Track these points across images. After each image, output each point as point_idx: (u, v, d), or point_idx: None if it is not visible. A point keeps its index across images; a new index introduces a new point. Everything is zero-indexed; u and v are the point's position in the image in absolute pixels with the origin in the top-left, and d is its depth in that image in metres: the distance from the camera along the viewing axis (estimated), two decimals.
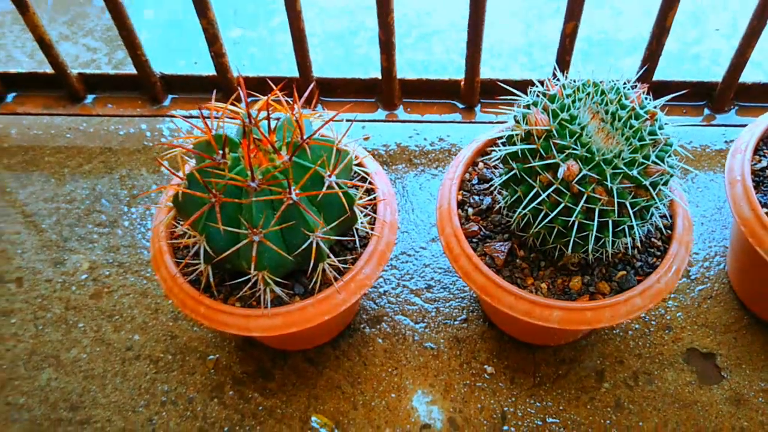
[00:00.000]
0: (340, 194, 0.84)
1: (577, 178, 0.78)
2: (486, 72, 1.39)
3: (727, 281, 1.15)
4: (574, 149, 0.79)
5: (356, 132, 1.36)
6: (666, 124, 0.84)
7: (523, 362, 1.10)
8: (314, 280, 0.90)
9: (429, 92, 1.26)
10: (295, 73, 1.24)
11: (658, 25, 1.09)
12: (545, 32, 1.51)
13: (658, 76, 1.23)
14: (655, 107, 0.83)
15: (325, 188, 0.83)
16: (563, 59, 1.15)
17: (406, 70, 1.44)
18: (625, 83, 0.85)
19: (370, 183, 1.00)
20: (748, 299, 1.11)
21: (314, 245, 0.84)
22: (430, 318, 1.14)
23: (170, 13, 1.61)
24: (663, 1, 1.06)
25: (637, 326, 1.12)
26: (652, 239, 0.95)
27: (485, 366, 1.10)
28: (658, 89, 1.21)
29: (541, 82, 0.87)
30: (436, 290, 1.17)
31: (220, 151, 0.82)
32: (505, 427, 1.04)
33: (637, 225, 0.82)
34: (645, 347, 1.10)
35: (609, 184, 0.79)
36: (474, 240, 0.95)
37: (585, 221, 0.81)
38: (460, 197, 1.00)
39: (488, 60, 1.45)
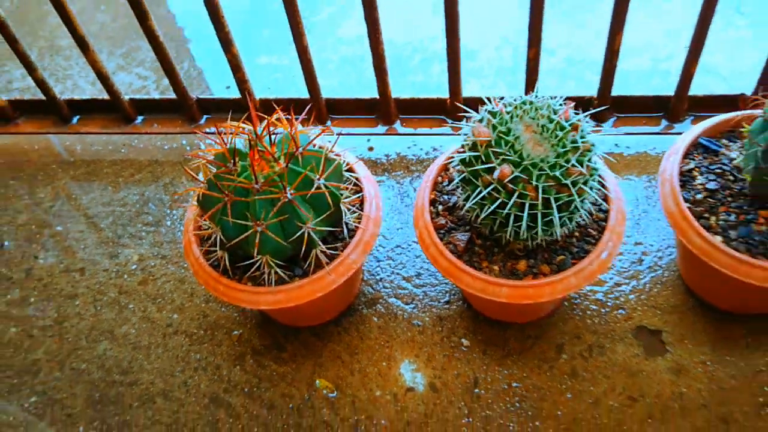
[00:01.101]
0: (327, 194, 1.06)
1: (509, 179, 0.98)
2: (475, 90, 1.59)
3: (677, 269, 1.32)
4: (507, 155, 0.99)
5: (362, 144, 1.58)
6: (588, 133, 1.03)
7: (494, 337, 1.29)
8: (309, 263, 1.12)
9: (421, 109, 1.47)
10: (308, 95, 1.47)
11: (609, 49, 1.28)
12: (524, 53, 1.71)
13: (621, 91, 1.42)
14: (578, 120, 1.02)
15: (314, 189, 1.05)
16: (531, 79, 1.34)
17: (408, 89, 1.65)
18: (555, 99, 1.04)
19: (356, 185, 1.21)
20: (692, 284, 1.27)
21: (306, 235, 1.06)
22: (418, 300, 1.35)
23: (209, 44, 1.87)
24: (610, 28, 1.24)
25: (594, 307, 1.30)
26: (589, 229, 1.13)
27: (462, 340, 1.29)
28: (617, 104, 1.39)
29: (489, 100, 1.07)
30: (425, 277, 1.38)
31: (232, 161, 1.05)
32: (476, 390, 1.23)
33: (562, 217, 1.01)
34: (600, 325, 1.28)
35: (536, 183, 0.98)
36: (442, 231, 1.16)
37: (519, 213, 1.00)
38: (432, 196, 1.20)
39: (479, 79, 1.65)
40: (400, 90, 1.57)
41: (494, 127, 1.02)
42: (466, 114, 1.07)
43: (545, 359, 1.25)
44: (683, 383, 1.20)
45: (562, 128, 1.01)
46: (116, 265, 1.47)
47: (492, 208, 1.01)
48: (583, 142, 1.01)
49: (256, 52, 1.82)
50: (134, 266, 1.47)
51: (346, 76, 1.75)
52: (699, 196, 1.14)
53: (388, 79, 1.39)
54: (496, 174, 0.99)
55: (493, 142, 1.01)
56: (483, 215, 1.03)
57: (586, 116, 1.04)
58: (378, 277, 1.39)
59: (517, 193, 0.99)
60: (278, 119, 1.11)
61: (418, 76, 1.69)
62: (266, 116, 1.11)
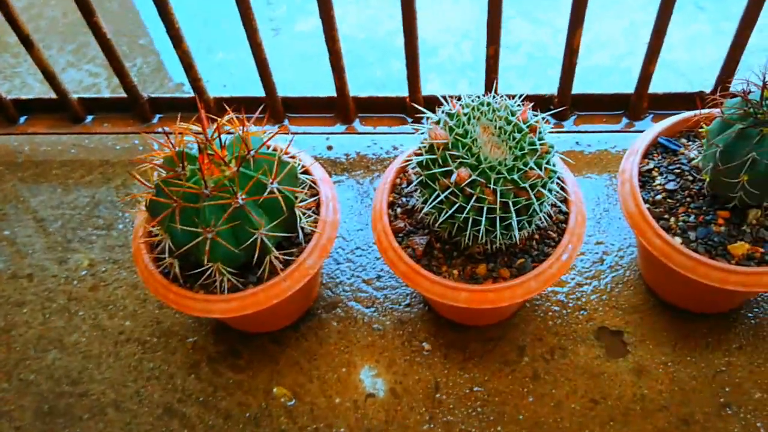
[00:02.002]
0: (280, 198, 1.03)
1: (467, 182, 0.96)
2: (436, 87, 1.56)
3: (638, 269, 1.31)
4: (465, 159, 0.97)
5: (321, 143, 1.55)
6: (547, 134, 1.01)
7: (456, 340, 1.27)
8: (263, 270, 1.08)
9: (380, 107, 1.44)
10: (264, 93, 1.43)
11: (568, 47, 1.26)
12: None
13: (582, 89, 1.40)
14: (536, 121, 1.00)
15: (266, 193, 1.02)
16: (490, 77, 1.32)
17: (369, 86, 1.62)
18: (513, 99, 1.02)
19: (313, 187, 1.18)
20: (652, 283, 1.27)
21: (259, 241, 1.02)
22: (379, 303, 1.32)
23: (163, 41, 1.82)
24: (569, 26, 1.23)
25: (556, 308, 1.29)
26: (549, 231, 1.12)
27: (423, 344, 1.27)
28: (578, 102, 1.37)
29: (446, 100, 1.04)
30: (385, 280, 1.35)
31: (181, 165, 1.01)
32: (438, 395, 1.21)
33: (521, 220, 0.99)
34: (562, 326, 1.26)
35: (494, 187, 0.96)
36: (400, 235, 1.13)
37: (477, 218, 0.98)
38: (391, 199, 1.17)
39: (441, 75, 1.62)
40: (360, 87, 1.54)
41: (451, 129, 0.99)
42: (423, 114, 1.04)
43: (507, 362, 1.24)
44: (645, 384, 1.19)
45: (520, 130, 0.99)
46: (66, 271, 1.42)
47: (450, 212, 0.99)
48: (541, 144, 0.99)
49: (214, 48, 1.77)
50: (84, 272, 1.42)
51: (304, 73, 1.71)
52: (658, 197, 1.12)
53: (346, 77, 1.36)
54: (453, 178, 0.96)
55: (450, 145, 0.98)
56: (441, 219, 1.00)
57: (545, 117, 1.02)
58: (337, 281, 1.36)
59: (475, 197, 0.97)
60: (230, 120, 1.07)
61: (378, 72, 1.66)
62: (218, 117, 1.07)
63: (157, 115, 1.51)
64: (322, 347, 1.28)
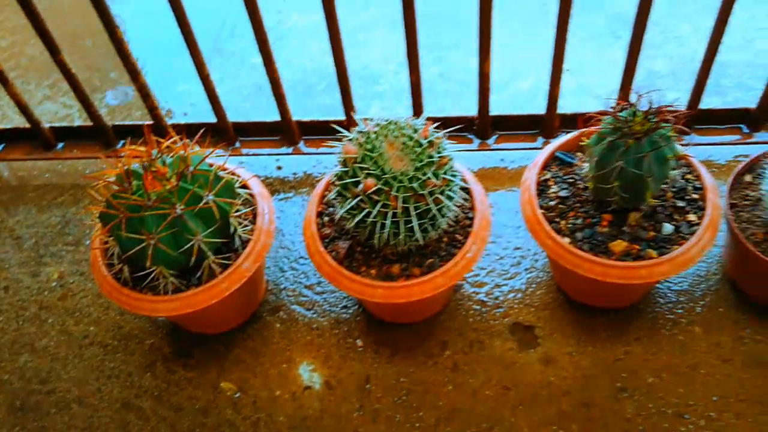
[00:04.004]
0: (215, 208, 1.18)
1: (373, 191, 1.11)
2: (376, 112, 1.73)
3: (549, 270, 1.46)
4: (371, 170, 1.12)
5: (271, 164, 1.70)
6: (446, 149, 1.16)
7: (386, 337, 1.41)
8: (202, 272, 1.23)
9: (321, 130, 1.60)
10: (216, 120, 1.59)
11: (480, 73, 1.42)
12: (425, 77, 1.85)
13: (510, 110, 1.57)
14: (436, 137, 1.16)
15: (202, 204, 1.17)
16: (416, 102, 1.48)
17: (316, 112, 1.78)
18: (417, 119, 1.18)
19: (249, 198, 1.33)
20: (560, 283, 1.41)
21: (196, 246, 1.17)
22: (318, 306, 1.46)
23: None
24: (479, 56, 1.39)
25: (477, 307, 1.43)
26: (456, 235, 1.26)
27: (357, 341, 1.41)
28: (499, 122, 1.54)
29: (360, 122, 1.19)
30: (324, 285, 1.49)
31: (128, 181, 1.16)
32: (368, 386, 1.35)
33: (423, 223, 1.14)
34: (481, 322, 1.40)
35: (396, 194, 1.11)
36: (326, 240, 1.28)
37: (384, 221, 1.13)
38: (320, 209, 1.32)
39: (381, 101, 1.79)
40: (309, 112, 1.70)
41: (361, 146, 1.14)
42: (344, 135, 1.20)
43: (431, 355, 1.37)
44: (551, 372, 1.33)
45: (421, 145, 1.14)
46: (38, 283, 1.56)
47: (360, 217, 1.13)
48: (440, 157, 1.14)
49: (178, 79, 1.94)
50: (55, 283, 1.56)
51: (259, 100, 1.87)
52: (552, 203, 1.27)
53: (287, 103, 1.52)
54: (360, 186, 1.11)
55: (359, 159, 1.13)
56: (353, 223, 1.15)
57: (446, 134, 1.18)
58: (281, 287, 1.50)
59: (380, 203, 1.11)
60: (173, 142, 1.23)
61: (326, 100, 1.82)
62: (163, 140, 1.22)
63: (122, 141, 1.67)
64: (266, 346, 1.42)
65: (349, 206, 1.14)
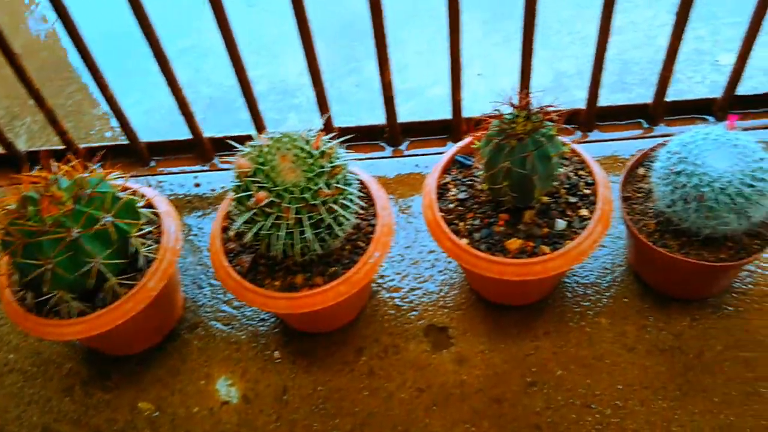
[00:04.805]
0: (111, 229, 1.18)
1: (266, 203, 1.12)
2: (293, 124, 1.74)
3: (462, 271, 1.48)
4: (263, 183, 1.14)
5: (190, 181, 1.71)
6: (339, 157, 1.18)
7: (303, 348, 1.42)
8: (104, 295, 1.23)
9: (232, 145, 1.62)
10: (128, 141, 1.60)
11: (382, 83, 1.45)
12: (342, 88, 1.88)
13: (425, 116, 1.60)
14: (328, 147, 1.18)
15: (98, 225, 1.17)
16: (323, 112, 1.51)
17: (236, 127, 1.79)
18: (310, 131, 1.20)
19: (154, 216, 1.34)
20: (472, 283, 1.44)
21: (95, 269, 1.18)
22: (236, 321, 1.47)
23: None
24: (378, 68, 1.42)
25: (392, 312, 1.45)
26: (359, 242, 1.29)
27: (275, 353, 1.42)
28: (409, 129, 1.57)
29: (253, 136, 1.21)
30: None
31: (24, 208, 1.17)
32: (285, 397, 1.36)
33: (320, 233, 1.16)
34: (396, 327, 1.42)
35: (287, 205, 1.13)
36: (232, 255, 1.29)
37: (279, 233, 1.14)
38: (225, 224, 1.34)
39: (299, 114, 1.81)
40: (227, 128, 1.72)
41: (253, 160, 1.16)
42: (238, 150, 1.21)
43: (347, 362, 1.39)
44: (464, 371, 1.35)
45: (312, 156, 1.16)
46: None
47: (255, 229, 1.15)
48: (332, 167, 1.16)
49: (100, 100, 1.94)
50: None
51: (178, 118, 1.88)
52: (451, 206, 1.30)
53: (196, 121, 1.53)
54: (251, 200, 1.13)
55: (251, 173, 1.15)
56: (249, 236, 1.17)
57: (338, 143, 1.20)
58: (199, 303, 1.51)
59: (273, 216, 1.13)
60: (72, 166, 1.23)
61: (244, 115, 1.83)
62: (89, 165, 1.24)
63: (36, 167, 1.67)
64: (185, 363, 1.43)
65: (243, 220, 1.16)
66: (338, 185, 1.17)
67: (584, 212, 1.26)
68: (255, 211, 1.14)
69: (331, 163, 1.17)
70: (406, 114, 1.78)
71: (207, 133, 1.61)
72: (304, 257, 1.22)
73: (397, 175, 1.67)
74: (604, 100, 1.70)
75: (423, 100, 1.81)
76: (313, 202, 1.13)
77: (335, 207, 1.16)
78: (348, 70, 1.91)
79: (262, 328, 1.46)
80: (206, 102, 1.91)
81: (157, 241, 1.32)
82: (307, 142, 1.18)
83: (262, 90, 1.91)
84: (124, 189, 1.31)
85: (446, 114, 1.68)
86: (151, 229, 1.30)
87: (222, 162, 1.64)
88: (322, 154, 1.17)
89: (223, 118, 1.86)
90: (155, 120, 1.89)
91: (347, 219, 1.20)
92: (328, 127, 1.55)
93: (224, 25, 1.34)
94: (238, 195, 1.16)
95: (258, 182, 1.14)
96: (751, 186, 1.14)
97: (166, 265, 1.29)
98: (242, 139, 1.38)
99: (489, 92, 1.73)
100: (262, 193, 1.13)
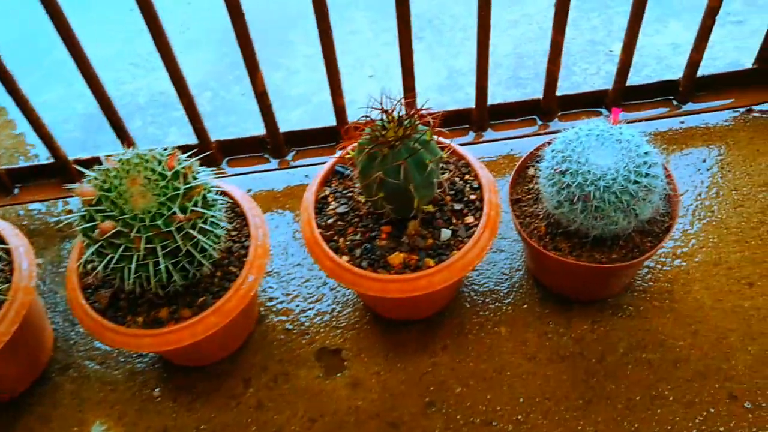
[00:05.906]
0: None
1: (111, 234, 1.01)
2: (174, 139, 1.63)
3: None
4: (108, 212, 1.02)
5: (60, 208, 1.58)
6: (197, 177, 1.07)
7: (185, 383, 1.30)
8: None
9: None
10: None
11: (254, 91, 1.35)
12: (228, 97, 1.77)
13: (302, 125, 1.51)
14: (185, 166, 1.07)
15: None
16: (196, 126, 1.40)
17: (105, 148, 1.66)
18: (165, 150, 1.09)
19: (2, 252, 1.21)
20: (364, 299, 1.35)
21: None
22: (112, 358, 1.35)
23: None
24: (248, 74, 1.32)
25: (282, 336, 1.35)
26: (230, 267, 1.18)
27: (154, 391, 1.30)
28: (294, 138, 1.48)
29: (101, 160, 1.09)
30: None
31: None
32: None
33: (179, 262, 1.05)
34: (286, 353, 1.32)
35: (137, 235, 1.01)
36: (90, 290, 1.17)
37: (130, 265, 1.03)
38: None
39: (180, 128, 1.69)
40: (100, 148, 1.59)
41: (98, 186, 1.04)
42: (83, 174, 1.09)
43: (233, 396, 1.28)
44: (359, 396, 1.26)
45: (165, 177, 1.05)
46: None
47: (105, 262, 1.03)
48: (187, 188, 1.05)
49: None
50: None
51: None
52: (330, 221, 1.21)
53: (57, 143, 1.40)
54: (95, 232, 1.01)
55: (95, 201, 1.03)
56: (99, 270, 1.05)
57: (196, 161, 1.09)
58: (72, 342, 1.38)
59: (122, 246, 1.02)
60: None
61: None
62: None
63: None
64: (56, 409, 1.29)
65: (90, 253, 1.04)
66: (196, 208, 1.06)
67: (470, 219, 1.18)
68: (101, 242, 1.02)
69: (188, 184, 1.06)
70: (296, 121, 1.69)
71: (72, 155, 1.48)
72: (166, 289, 1.11)
73: (286, 187, 1.57)
74: (499, 96, 1.65)
75: (312, 106, 1.71)
76: (166, 229, 1.02)
77: (193, 233, 1.05)
78: (234, 78, 1.79)
79: (140, 365, 1.34)
80: (79, 120, 1.77)
81: (8, 280, 1.18)
82: (160, 162, 1.07)
83: (142, 103, 1.78)
84: None
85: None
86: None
87: None
88: (176, 174, 1.06)
89: (98, 136, 1.73)
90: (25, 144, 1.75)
91: (211, 245, 1.10)
92: (203, 141, 1.43)
93: (71, 42, 1.21)
94: (82, 226, 1.04)
95: (103, 211, 1.02)
96: (636, 182, 1.08)
97: (18, 306, 1.15)
98: (92, 162, 1.27)
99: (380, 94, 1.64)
100: (107, 223, 1.01)
